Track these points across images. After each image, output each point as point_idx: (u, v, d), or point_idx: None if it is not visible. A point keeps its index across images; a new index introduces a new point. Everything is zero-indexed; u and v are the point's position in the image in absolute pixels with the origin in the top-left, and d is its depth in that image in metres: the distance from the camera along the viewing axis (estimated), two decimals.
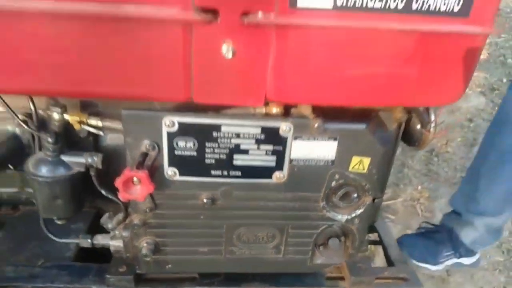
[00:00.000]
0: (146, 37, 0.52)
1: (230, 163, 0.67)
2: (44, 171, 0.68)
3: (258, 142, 0.65)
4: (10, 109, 0.67)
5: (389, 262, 0.99)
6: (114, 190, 0.64)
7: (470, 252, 1.40)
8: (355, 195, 0.73)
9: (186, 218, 0.72)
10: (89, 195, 0.76)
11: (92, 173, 0.69)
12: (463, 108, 2.50)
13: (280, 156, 0.67)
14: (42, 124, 0.71)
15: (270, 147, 0.66)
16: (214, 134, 0.64)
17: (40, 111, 0.71)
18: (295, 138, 0.65)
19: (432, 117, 0.72)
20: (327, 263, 0.82)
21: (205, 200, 0.69)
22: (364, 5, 0.52)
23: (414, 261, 1.41)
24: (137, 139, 0.63)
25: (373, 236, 1.07)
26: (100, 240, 0.78)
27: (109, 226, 0.75)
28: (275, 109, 0.64)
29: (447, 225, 1.43)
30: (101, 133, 0.70)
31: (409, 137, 0.76)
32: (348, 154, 0.68)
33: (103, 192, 0.71)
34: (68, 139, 0.70)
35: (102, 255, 0.85)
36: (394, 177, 1.96)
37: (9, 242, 0.92)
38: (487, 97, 2.62)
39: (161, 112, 0.62)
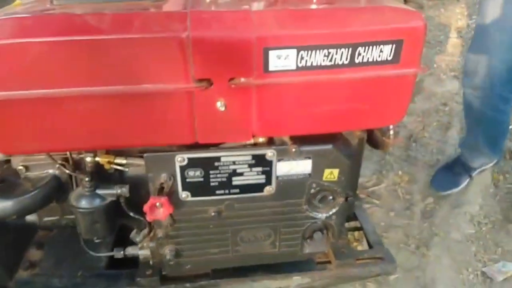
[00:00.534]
0: (161, 103, 0.71)
1: (230, 184, 0.85)
2: (84, 203, 0.85)
3: (250, 166, 0.84)
4: (51, 156, 0.85)
5: (369, 245, 1.17)
6: (139, 210, 0.82)
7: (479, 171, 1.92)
8: (331, 197, 0.92)
9: (199, 228, 0.91)
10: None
11: (121, 200, 0.87)
12: (438, 93, 2.66)
13: (268, 174, 0.86)
14: (77, 165, 0.89)
15: (260, 169, 0.85)
16: (216, 163, 0.82)
17: (74, 155, 0.88)
18: (279, 160, 0.84)
19: (390, 128, 0.92)
20: (314, 252, 1.01)
21: (212, 213, 0.88)
22: (319, 64, 0.71)
23: (441, 192, 1.88)
24: (157, 173, 0.81)
25: (354, 224, 1.26)
26: (131, 251, 0.97)
27: (137, 239, 0.94)
28: (261, 139, 0.83)
29: (460, 159, 1.92)
30: (126, 169, 0.88)
31: (374, 143, 0.97)
32: (321, 168, 0.87)
33: (132, 214, 0.89)
34: (99, 175, 0.88)
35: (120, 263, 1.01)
36: (377, 164, 2.13)
37: (50, 258, 1.08)
38: (461, 81, 2.79)
39: (174, 152, 0.80)
